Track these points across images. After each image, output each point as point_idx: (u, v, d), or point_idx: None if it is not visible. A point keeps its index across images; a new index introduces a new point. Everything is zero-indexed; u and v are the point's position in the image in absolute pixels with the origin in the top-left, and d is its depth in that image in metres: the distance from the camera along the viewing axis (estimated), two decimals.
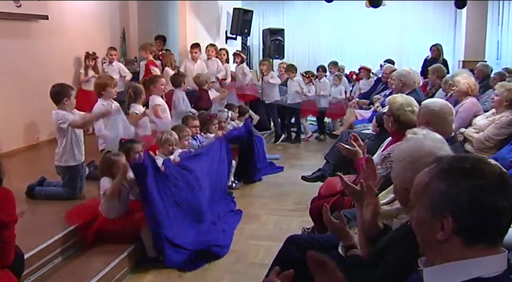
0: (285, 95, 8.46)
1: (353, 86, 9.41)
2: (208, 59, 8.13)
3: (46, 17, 6.45)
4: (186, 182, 4.22)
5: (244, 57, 8.67)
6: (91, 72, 7.28)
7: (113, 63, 7.56)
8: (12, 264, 2.53)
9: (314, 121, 9.20)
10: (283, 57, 10.31)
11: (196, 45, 7.86)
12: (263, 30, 11.00)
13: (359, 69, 9.31)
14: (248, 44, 11.76)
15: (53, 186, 4.46)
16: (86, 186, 4.45)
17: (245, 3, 10.57)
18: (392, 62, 9.44)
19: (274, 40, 10.18)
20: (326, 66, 9.30)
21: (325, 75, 8.87)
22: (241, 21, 9.58)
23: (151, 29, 9.32)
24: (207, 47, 8.18)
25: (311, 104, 8.49)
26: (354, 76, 9.54)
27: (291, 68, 8.61)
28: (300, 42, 12.78)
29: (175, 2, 8.93)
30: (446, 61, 8.78)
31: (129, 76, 7.57)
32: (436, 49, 8.91)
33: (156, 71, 7.32)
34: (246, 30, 9.92)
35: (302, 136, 8.59)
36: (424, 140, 2.03)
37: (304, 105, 8.44)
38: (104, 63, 7.58)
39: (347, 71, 10.58)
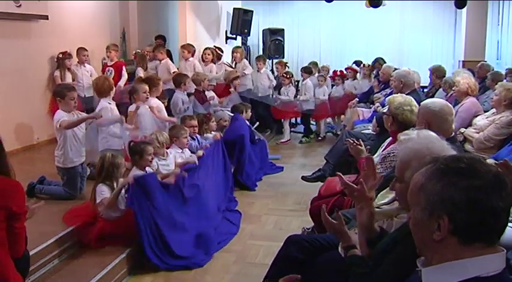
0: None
1: (333, 86, 8.94)
2: (186, 60, 7.83)
3: (46, 17, 6.45)
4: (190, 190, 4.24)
5: (220, 54, 8.36)
6: (68, 75, 6.76)
7: (85, 65, 7.05)
8: (21, 264, 2.55)
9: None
10: (283, 57, 10.31)
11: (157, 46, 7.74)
12: (263, 30, 11.00)
13: (346, 69, 9.05)
14: (248, 44, 11.75)
15: (53, 186, 4.46)
16: (86, 187, 4.44)
17: (245, 3, 10.57)
18: (361, 62, 9.34)
19: (274, 40, 10.19)
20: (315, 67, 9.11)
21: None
22: (241, 21, 9.58)
23: (151, 29, 9.32)
24: (181, 48, 7.98)
25: (291, 106, 8.27)
26: (336, 77, 9.03)
27: (261, 59, 8.49)
28: (300, 42, 12.77)
29: (175, 2, 8.93)
30: None
31: None
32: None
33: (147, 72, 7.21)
34: (246, 30, 9.93)
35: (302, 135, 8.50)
36: (431, 139, 2.02)
37: (284, 107, 8.23)
38: (77, 65, 7.00)
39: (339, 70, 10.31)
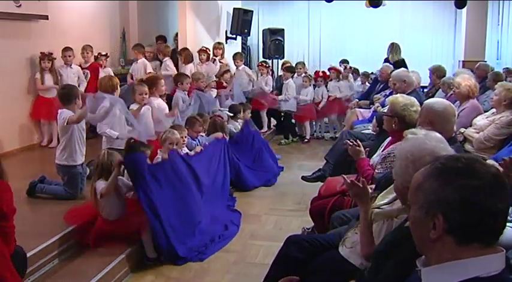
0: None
1: (315, 88, 8.58)
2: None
3: (46, 17, 6.45)
4: (182, 179, 4.22)
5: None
6: (48, 76, 6.40)
7: (71, 66, 6.67)
8: (15, 264, 2.56)
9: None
10: (283, 57, 10.31)
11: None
12: (263, 30, 10.99)
13: (329, 70, 8.78)
14: (248, 44, 11.75)
15: (54, 185, 4.47)
16: (86, 187, 4.44)
17: (245, 3, 10.56)
18: (347, 62, 9.19)
19: (274, 40, 10.17)
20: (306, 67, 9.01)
21: (292, 77, 8.37)
22: (241, 21, 9.56)
23: (151, 29, 9.33)
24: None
25: (267, 97, 8.10)
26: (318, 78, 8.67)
27: (238, 56, 8.45)
28: (300, 42, 12.76)
29: (175, 2, 8.92)
30: (403, 60, 8.29)
31: (83, 83, 6.77)
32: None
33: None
34: (246, 30, 9.91)
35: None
36: (426, 139, 2.04)
37: (260, 97, 8.05)
38: (63, 66, 6.63)
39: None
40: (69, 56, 6.60)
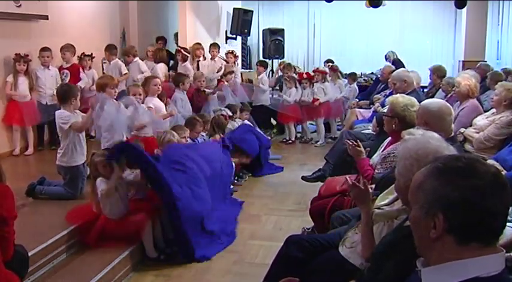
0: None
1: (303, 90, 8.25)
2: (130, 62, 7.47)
3: (46, 17, 6.45)
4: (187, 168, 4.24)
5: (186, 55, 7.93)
6: (22, 79, 5.95)
7: (49, 68, 6.32)
8: (16, 263, 2.56)
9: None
10: (283, 57, 10.32)
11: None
12: (263, 30, 11.01)
13: (313, 71, 8.51)
14: (248, 44, 11.75)
15: (53, 186, 4.46)
16: (87, 187, 4.44)
17: (245, 3, 10.57)
18: (332, 61, 9.13)
19: (274, 40, 10.19)
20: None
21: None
22: (241, 21, 9.58)
23: (151, 29, 9.34)
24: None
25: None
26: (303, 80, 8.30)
27: (215, 46, 8.50)
28: (300, 42, 12.78)
29: (175, 2, 8.93)
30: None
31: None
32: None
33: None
34: (246, 30, 9.93)
35: None
36: (429, 139, 2.03)
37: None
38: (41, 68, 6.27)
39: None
40: (47, 57, 6.22)
